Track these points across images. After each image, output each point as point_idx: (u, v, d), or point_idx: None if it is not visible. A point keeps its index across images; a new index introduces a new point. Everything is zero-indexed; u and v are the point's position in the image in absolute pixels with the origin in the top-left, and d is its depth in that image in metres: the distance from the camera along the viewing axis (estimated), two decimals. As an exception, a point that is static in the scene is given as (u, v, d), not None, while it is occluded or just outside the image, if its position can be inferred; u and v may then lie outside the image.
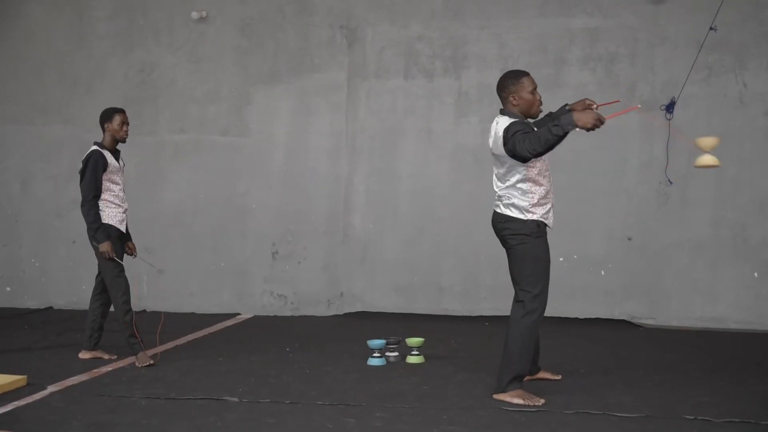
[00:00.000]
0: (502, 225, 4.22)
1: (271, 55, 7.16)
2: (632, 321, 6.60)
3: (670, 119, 6.55)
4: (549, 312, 6.81)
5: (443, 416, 3.80)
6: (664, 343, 5.79)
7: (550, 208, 4.28)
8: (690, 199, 6.52)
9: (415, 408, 3.94)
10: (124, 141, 5.22)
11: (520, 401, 3.99)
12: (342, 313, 7.01)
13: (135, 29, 7.29)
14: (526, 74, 4.25)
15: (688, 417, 3.77)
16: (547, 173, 4.27)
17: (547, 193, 4.25)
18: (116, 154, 5.21)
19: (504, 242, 4.28)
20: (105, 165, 5.05)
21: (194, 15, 7.11)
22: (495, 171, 4.26)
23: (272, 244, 7.08)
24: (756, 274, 6.42)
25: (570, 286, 6.68)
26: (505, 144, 4.04)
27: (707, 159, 4.15)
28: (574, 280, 6.68)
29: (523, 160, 4.04)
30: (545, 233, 4.27)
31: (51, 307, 7.28)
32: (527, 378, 4.28)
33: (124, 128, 5.19)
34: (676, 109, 6.52)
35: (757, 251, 6.42)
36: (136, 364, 4.83)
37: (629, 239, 6.65)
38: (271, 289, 7.11)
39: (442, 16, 6.91)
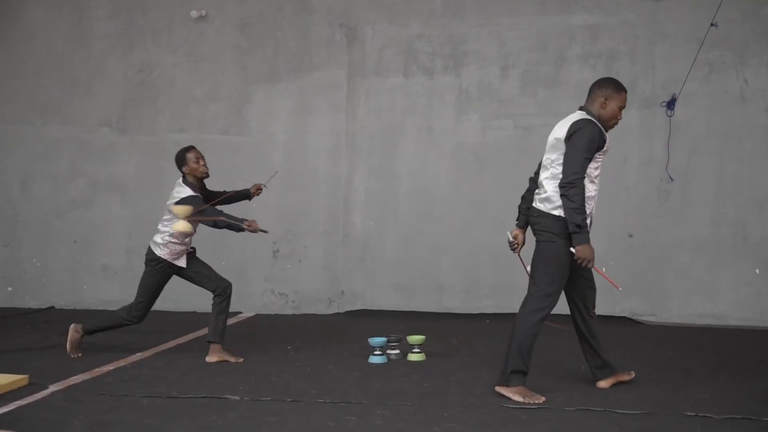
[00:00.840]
0: (534, 219, 4.19)
1: (270, 54, 7.15)
2: (633, 318, 6.60)
3: (670, 116, 6.55)
4: (550, 309, 6.82)
5: (444, 414, 3.80)
6: (665, 341, 5.79)
7: (590, 213, 4.14)
8: (690, 196, 6.52)
9: (416, 406, 3.94)
10: (206, 176, 5.18)
11: (520, 398, 3.99)
12: (343, 311, 7.01)
13: (134, 29, 7.28)
14: (626, 91, 4.23)
15: (689, 414, 3.77)
16: (598, 179, 4.18)
17: (591, 198, 4.14)
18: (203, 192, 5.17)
19: (534, 235, 4.22)
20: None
21: (193, 14, 7.11)
22: (544, 157, 4.19)
23: (273, 243, 7.07)
24: (757, 271, 6.42)
25: (571, 284, 6.67)
26: (569, 137, 4.00)
27: (181, 225, 4.87)
28: (574, 278, 6.66)
29: (564, 172, 3.98)
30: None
31: (52, 307, 7.28)
32: (605, 383, 4.25)
33: (201, 163, 5.13)
34: (677, 106, 6.52)
35: (758, 249, 6.41)
36: None
37: (630, 237, 6.65)
38: (272, 287, 7.11)
39: (441, 14, 6.91)
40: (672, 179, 6.52)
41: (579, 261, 3.98)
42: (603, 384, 4.28)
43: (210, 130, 7.21)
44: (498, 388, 4.08)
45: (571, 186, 3.94)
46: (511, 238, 4.41)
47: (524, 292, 6.81)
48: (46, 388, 4.27)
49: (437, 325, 6.32)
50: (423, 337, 5.15)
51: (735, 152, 6.39)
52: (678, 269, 6.55)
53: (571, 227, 3.95)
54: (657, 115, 6.60)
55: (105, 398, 4.09)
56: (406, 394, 4.16)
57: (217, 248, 7.13)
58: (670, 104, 6.54)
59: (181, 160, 5.16)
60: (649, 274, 6.60)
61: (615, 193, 6.64)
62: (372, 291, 6.98)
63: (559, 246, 4.07)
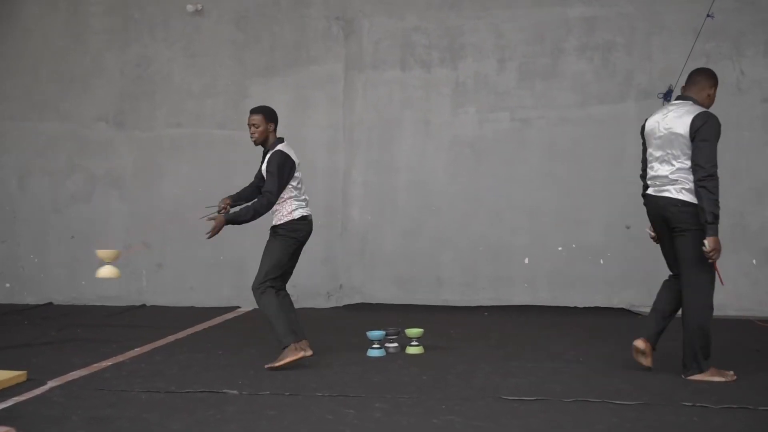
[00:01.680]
0: (678, 209, 4.23)
1: (267, 48, 7.14)
2: (631, 309, 6.61)
3: (667, 107, 6.53)
4: (548, 301, 6.89)
5: (442, 406, 3.81)
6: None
7: None
8: (688, 187, 6.50)
9: (414, 399, 3.95)
10: (255, 143, 5.07)
11: (720, 378, 4.19)
12: (342, 305, 7.01)
13: (130, 24, 7.27)
14: None
15: (686, 404, 3.79)
16: None
17: None
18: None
19: (677, 226, 4.27)
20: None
21: (189, 8, 7.09)
22: (659, 152, 4.31)
23: (271, 237, 7.06)
24: (754, 261, 6.43)
25: (569, 275, 6.69)
26: (697, 130, 4.13)
27: (106, 271, 4.86)
28: (573, 269, 6.69)
29: (704, 165, 4.12)
30: None
31: (51, 303, 7.29)
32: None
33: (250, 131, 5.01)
34: (674, 97, 6.49)
35: (756, 239, 6.42)
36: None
37: (628, 228, 6.65)
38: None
39: (438, 6, 6.90)
40: (669, 170, 6.50)
41: (711, 253, 4.11)
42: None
43: (207, 124, 7.21)
44: (694, 377, 4.22)
45: (711, 178, 4.09)
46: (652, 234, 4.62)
47: (523, 285, 6.87)
48: (44, 384, 4.28)
49: (436, 317, 6.33)
50: (421, 330, 5.16)
51: (732, 143, 6.36)
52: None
53: (709, 217, 4.07)
54: (654, 106, 6.51)
55: (103, 394, 4.09)
56: (405, 387, 4.17)
57: (215, 241, 7.12)
58: (667, 95, 6.51)
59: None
60: (646, 265, 6.59)
61: (612, 184, 6.64)
62: (371, 284, 6.99)
63: (702, 236, 4.16)
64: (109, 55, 7.31)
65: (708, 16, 6.24)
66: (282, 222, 4.90)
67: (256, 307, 7.00)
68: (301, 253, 7.03)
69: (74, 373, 4.55)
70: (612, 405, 3.80)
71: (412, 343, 5.10)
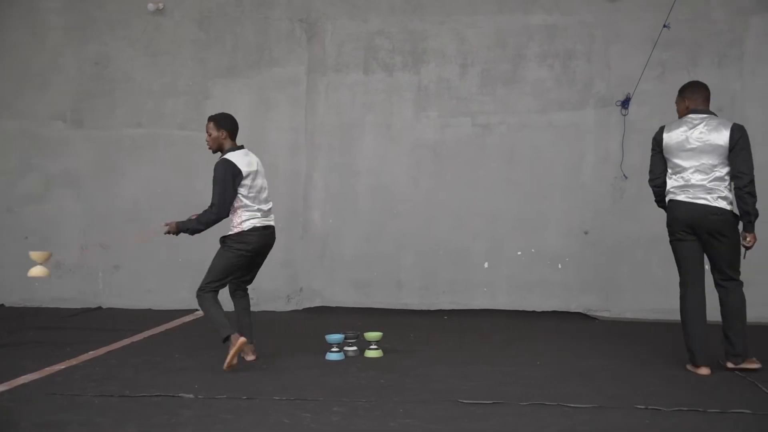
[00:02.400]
0: (718, 217, 4.53)
1: (229, 48, 7.09)
2: (588, 314, 6.71)
3: (625, 115, 6.66)
4: (506, 305, 6.94)
5: (400, 410, 3.82)
6: (618, 335, 5.89)
7: None
8: (645, 194, 6.56)
9: (372, 402, 3.95)
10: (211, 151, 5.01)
11: (755, 365, 4.54)
12: (301, 308, 6.98)
13: (89, 21, 7.15)
14: None
15: (639, 407, 3.85)
16: None
17: None
18: None
19: (718, 232, 4.55)
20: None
21: (150, 7, 7.00)
22: (692, 162, 4.56)
23: (231, 239, 7.00)
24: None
25: (527, 280, 6.76)
26: (737, 141, 4.50)
27: (37, 270, 4.95)
28: (531, 274, 6.76)
29: (747, 172, 4.50)
30: None
31: (2, 305, 7.13)
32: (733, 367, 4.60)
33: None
34: (631, 105, 6.63)
35: (709, 245, 6.54)
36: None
37: (586, 233, 6.75)
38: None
39: (401, 11, 6.92)
40: (626, 177, 6.63)
41: (751, 246, 4.59)
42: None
43: (168, 125, 7.12)
44: (743, 365, 4.52)
45: (753, 183, 4.51)
46: None
47: (483, 289, 6.92)
48: (-7, 387, 4.18)
49: (396, 321, 6.34)
50: (380, 333, 5.16)
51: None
52: (632, 265, 6.67)
53: (753, 218, 4.52)
54: (612, 114, 6.70)
55: (55, 398, 4.00)
56: (363, 391, 4.17)
57: (174, 243, 7.04)
58: (625, 103, 6.65)
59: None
60: (603, 270, 6.71)
61: (571, 190, 6.73)
62: (331, 288, 6.97)
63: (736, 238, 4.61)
64: (67, 53, 7.18)
65: (664, 26, 6.39)
66: (231, 233, 4.85)
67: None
68: (261, 256, 7.05)
69: (25, 377, 4.45)
70: (567, 408, 3.84)
71: (371, 347, 5.10)
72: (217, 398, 4.01)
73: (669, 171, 4.69)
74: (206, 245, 7.02)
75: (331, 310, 6.86)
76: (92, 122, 7.18)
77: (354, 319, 6.29)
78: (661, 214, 6.81)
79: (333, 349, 4.98)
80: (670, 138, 4.65)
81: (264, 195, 4.91)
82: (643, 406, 3.85)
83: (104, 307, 7.06)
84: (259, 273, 7.02)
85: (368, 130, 6.99)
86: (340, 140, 6.98)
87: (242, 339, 4.58)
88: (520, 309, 6.76)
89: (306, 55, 7.02)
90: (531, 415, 3.73)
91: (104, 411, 3.78)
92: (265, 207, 4.91)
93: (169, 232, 4.88)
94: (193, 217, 4.92)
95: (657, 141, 4.73)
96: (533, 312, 6.73)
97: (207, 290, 4.77)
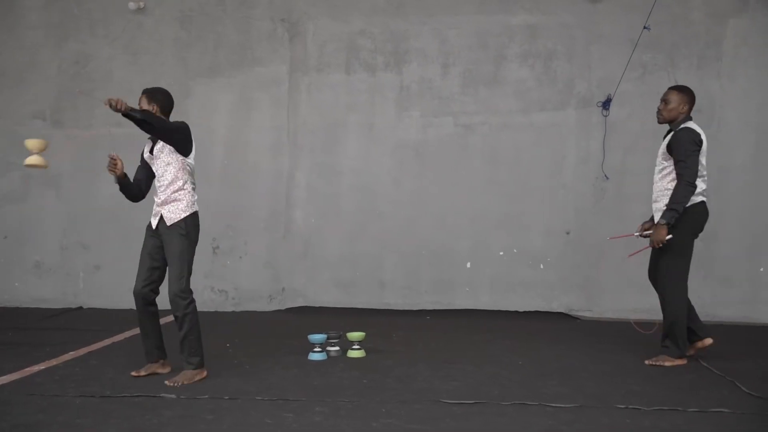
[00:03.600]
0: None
1: (211, 47, 7.06)
2: (569, 313, 6.75)
3: (606, 116, 6.71)
4: (489, 305, 6.97)
5: (382, 410, 3.82)
6: (599, 335, 5.94)
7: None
8: (625, 194, 6.69)
9: (354, 402, 3.95)
10: None
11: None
12: (284, 308, 6.97)
13: (69, 19, 7.09)
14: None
15: (619, 406, 3.88)
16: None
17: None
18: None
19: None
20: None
21: (131, 5, 6.95)
22: (704, 167, 4.79)
23: (212, 239, 6.99)
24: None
25: (509, 280, 6.80)
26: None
27: (33, 159, 4.49)
28: (513, 274, 6.79)
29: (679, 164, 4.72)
30: None
31: (-19, 306, 7.05)
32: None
33: None
34: (612, 105, 6.68)
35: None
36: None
37: (567, 233, 6.79)
38: (211, 284, 7.02)
39: (383, 11, 6.93)
40: (607, 177, 6.68)
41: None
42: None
43: (148, 124, 7.05)
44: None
45: None
46: None
47: (465, 289, 6.96)
48: (-28, 389, 4.14)
49: (378, 321, 6.34)
50: (363, 333, 5.17)
51: (667, 151, 6.56)
52: (613, 265, 6.71)
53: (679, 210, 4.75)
54: (593, 115, 6.75)
55: (34, 399, 3.97)
56: (345, 391, 4.17)
57: (155, 245, 7.01)
58: (606, 104, 6.71)
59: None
60: (585, 270, 6.76)
61: (553, 190, 6.78)
62: (313, 287, 6.97)
63: None
64: (46, 51, 7.12)
65: (645, 27, 6.45)
66: (187, 215, 4.46)
67: (197, 309, 6.96)
68: (243, 255, 7.04)
69: (4, 377, 4.40)
70: (549, 408, 3.87)
71: (354, 347, 5.11)
72: (198, 398, 3.99)
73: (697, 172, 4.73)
74: (188, 245, 7.01)
75: (313, 310, 6.85)
76: (72, 121, 7.13)
77: (336, 319, 6.29)
78: (643, 214, 6.92)
79: (315, 349, 4.98)
80: (703, 138, 4.76)
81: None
82: (623, 406, 3.88)
83: (85, 307, 7.01)
84: (240, 273, 7.06)
85: (351, 130, 6.99)
86: (322, 140, 6.98)
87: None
88: (503, 309, 6.80)
89: (288, 55, 7.00)
90: (513, 415, 3.75)
91: (85, 412, 3.76)
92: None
93: (111, 106, 4.21)
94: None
95: (698, 141, 4.71)
96: (515, 312, 6.77)
97: (191, 295, 4.39)
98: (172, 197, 4.49)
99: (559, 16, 6.78)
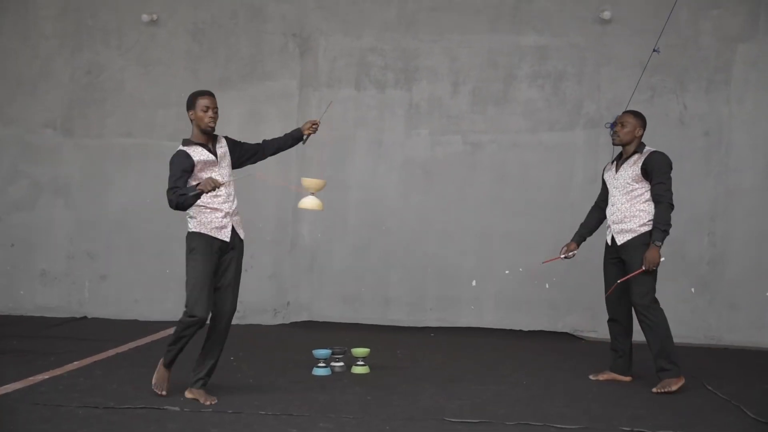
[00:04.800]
0: None
1: (222, 60, 7.10)
2: (574, 334, 6.73)
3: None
4: (493, 323, 6.96)
5: (386, 427, 3.81)
6: (605, 356, 5.88)
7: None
8: (632, 215, 6.67)
9: (358, 419, 3.95)
10: (211, 130, 4.39)
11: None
12: (288, 322, 6.97)
13: (83, 30, 7.15)
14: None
15: (624, 429, 3.87)
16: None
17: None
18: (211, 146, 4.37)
19: None
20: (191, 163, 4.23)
21: (144, 18, 7.01)
22: None
23: (219, 251, 6.99)
24: (693, 290, 6.61)
25: (515, 299, 6.78)
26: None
27: (310, 203, 4.26)
28: (518, 293, 6.78)
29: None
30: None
31: (-13, 313, 7.06)
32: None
33: (209, 114, 4.32)
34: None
35: (694, 267, 6.61)
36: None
37: (573, 253, 6.76)
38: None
39: (394, 28, 6.97)
40: (615, 198, 6.67)
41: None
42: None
43: (158, 135, 7.11)
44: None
45: None
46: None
47: (470, 307, 6.95)
48: (-24, 396, 4.14)
49: (383, 337, 6.33)
50: (367, 349, 5.16)
51: (675, 174, 6.47)
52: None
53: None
54: (601, 135, 6.76)
55: (38, 408, 3.97)
56: (349, 407, 4.16)
57: (161, 254, 7.03)
58: (614, 125, 6.70)
59: (190, 104, 4.35)
60: (591, 291, 6.73)
61: (560, 209, 6.77)
62: (318, 302, 6.96)
63: None
64: (59, 61, 7.17)
65: (654, 50, 6.45)
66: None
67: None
68: (249, 268, 7.03)
69: (8, 386, 4.41)
70: (553, 428, 3.85)
71: (358, 363, 5.10)
72: (203, 412, 3.99)
73: None
74: (194, 257, 7.02)
75: (318, 325, 6.85)
76: (83, 131, 7.17)
77: (341, 334, 6.28)
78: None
79: (320, 365, 4.98)
80: None
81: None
82: (628, 428, 3.87)
83: (90, 316, 7.01)
84: (247, 286, 7.03)
85: (359, 145, 7.01)
86: (330, 155, 7.00)
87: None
88: (507, 327, 6.78)
89: (299, 70, 7.04)
90: (517, 435, 3.74)
91: (88, 423, 3.76)
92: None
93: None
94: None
95: (671, 165, 5.00)
96: (520, 331, 6.75)
97: None
98: (235, 207, 4.41)
99: (569, 37, 6.81)
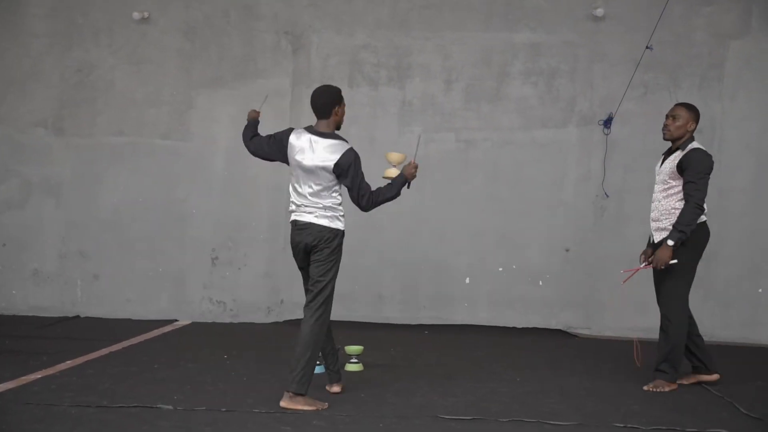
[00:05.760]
0: None
1: (214, 59, 7.07)
2: (568, 331, 6.74)
3: (607, 134, 6.73)
4: (487, 321, 6.96)
5: (380, 424, 3.81)
6: (598, 353, 5.93)
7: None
8: (625, 212, 6.69)
9: (351, 416, 3.94)
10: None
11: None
12: (282, 320, 6.95)
13: (73, 28, 7.10)
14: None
15: (618, 425, 3.87)
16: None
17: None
18: None
19: None
20: None
21: (136, 15, 6.97)
22: None
23: (212, 250, 6.98)
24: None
25: (508, 296, 6.78)
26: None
27: (393, 172, 4.63)
28: (512, 290, 6.78)
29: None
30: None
31: (-22, 313, 7.02)
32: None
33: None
34: (614, 124, 6.70)
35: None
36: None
37: (567, 251, 6.79)
38: (210, 295, 7.01)
39: (387, 25, 6.96)
40: (608, 195, 6.69)
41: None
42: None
43: (150, 134, 7.08)
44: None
45: None
46: None
47: (464, 304, 6.95)
48: (-33, 396, 4.12)
49: (376, 335, 6.33)
50: (361, 347, 5.16)
51: (668, 171, 6.57)
52: (612, 283, 6.67)
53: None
54: (594, 133, 6.77)
55: (31, 408, 3.95)
56: (343, 404, 4.15)
57: (154, 253, 7.01)
58: (607, 122, 6.72)
59: (338, 99, 4.54)
60: (584, 288, 6.75)
61: (553, 207, 6.78)
62: (312, 300, 6.94)
63: None
64: (50, 59, 7.13)
65: (647, 47, 6.48)
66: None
67: (195, 320, 6.98)
68: (243, 267, 7.03)
69: (0, 386, 4.38)
70: (546, 425, 3.85)
71: (352, 360, 5.09)
72: (196, 410, 3.98)
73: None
74: (187, 256, 7.02)
75: (311, 323, 6.82)
76: (74, 130, 7.13)
77: (334, 332, 6.22)
78: (643, 232, 6.93)
79: (313, 363, 4.95)
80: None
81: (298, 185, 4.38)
82: (621, 425, 3.87)
83: (82, 316, 6.98)
84: (238, 284, 7.05)
85: (352, 143, 6.90)
86: (324, 153, 6.96)
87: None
88: (501, 325, 6.78)
89: (291, 68, 7.02)
90: (511, 432, 3.74)
91: (81, 422, 3.74)
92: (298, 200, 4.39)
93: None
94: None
95: (712, 165, 4.70)
96: (514, 328, 6.75)
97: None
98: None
99: (562, 34, 6.81)
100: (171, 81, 7.06)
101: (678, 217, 4.56)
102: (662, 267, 4.59)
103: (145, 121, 7.08)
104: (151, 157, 7.08)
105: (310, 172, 4.34)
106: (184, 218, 7.05)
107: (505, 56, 6.86)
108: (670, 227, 4.63)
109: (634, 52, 6.55)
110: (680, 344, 4.67)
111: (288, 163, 4.46)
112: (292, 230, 4.41)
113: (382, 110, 6.98)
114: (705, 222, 4.72)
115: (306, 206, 4.36)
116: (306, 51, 7.01)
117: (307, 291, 4.37)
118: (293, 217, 4.41)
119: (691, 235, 4.59)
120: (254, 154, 4.64)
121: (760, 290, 6.61)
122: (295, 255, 4.46)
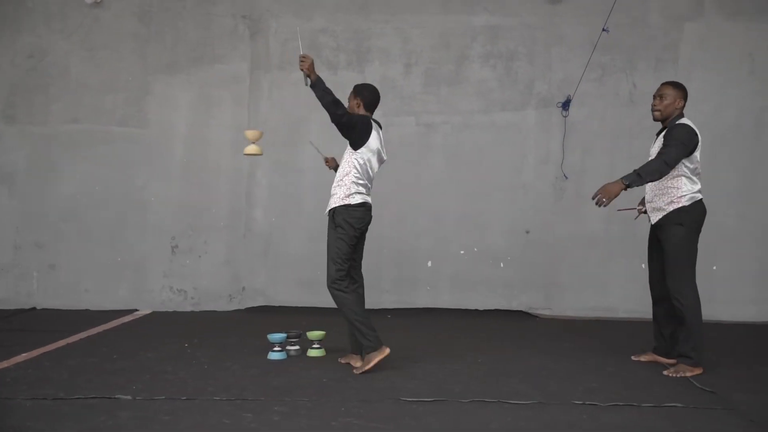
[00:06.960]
0: None
1: (170, 44, 6.96)
2: (529, 312, 6.81)
3: (566, 116, 6.78)
4: (449, 304, 6.99)
5: (342, 408, 3.81)
6: (559, 333, 6.00)
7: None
8: (584, 194, 6.74)
9: (314, 401, 3.93)
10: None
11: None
12: (244, 307, 6.91)
13: (23, 12, 6.92)
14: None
15: (577, 402, 3.93)
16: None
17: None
18: None
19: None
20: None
21: (88, 0, 6.81)
22: (699, 165, 4.77)
23: (172, 238, 6.90)
24: (643, 266, 6.69)
25: (470, 279, 6.83)
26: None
27: (252, 148, 5.08)
28: (474, 273, 6.83)
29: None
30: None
31: (-69, 306, 6.84)
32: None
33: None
34: (572, 106, 6.76)
35: (644, 244, 6.69)
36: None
37: (527, 233, 6.85)
38: (170, 284, 6.93)
39: (346, 9, 6.90)
40: (567, 177, 6.76)
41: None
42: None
43: (106, 121, 6.95)
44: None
45: None
46: None
47: (426, 288, 6.97)
48: None
49: (339, 320, 6.27)
50: (323, 332, 5.15)
51: (625, 152, 6.66)
52: (572, 264, 6.79)
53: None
54: (553, 115, 6.82)
55: (-15, 401, 3.87)
56: (304, 390, 4.14)
57: (113, 242, 6.90)
58: (566, 105, 6.78)
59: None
60: (545, 269, 6.82)
61: (513, 190, 6.83)
62: (274, 287, 6.91)
63: None
64: (0, 44, 6.94)
65: (603, 30, 6.53)
66: (336, 206, 4.77)
67: (156, 309, 6.89)
68: (203, 254, 6.95)
69: (-47, 379, 4.29)
70: (507, 405, 3.89)
71: (314, 346, 5.08)
72: (155, 399, 3.93)
73: (690, 170, 4.60)
74: (147, 244, 6.92)
75: (274, 310, 6.80)
76: (26, 117, 6.97)
77: (297, 319, 6.25)
78: (600, 214, 7.02)
79: (275, 349, 4.95)
80: (699, 136, 4.59)
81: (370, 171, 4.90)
82: (581, 402, 3.93)
83: (39, 308, 6.85)
84: (199, 272, 6.98)
85: (312, 128, 6.93)
86: (283, 138, 6.92)
87: (387, 350, 4.60)
88: (463, 307, 6.83)
89: (249, 52, 6.94)
90: (472, 412, 3.77)
91: (37, 415, 3.67)
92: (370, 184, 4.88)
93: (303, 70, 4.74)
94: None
95: (693, 140, 4.56)
96: (476, 310, 6.80)
97: (340, 284, 4.72)
98: (335, 185, 4.83)
99: (520, 17, 6.83)
100: (126, 66, 6.93)
101: (644, 165, 4.44)
102: (604, 201, 4.33)
103: (101, 108, 6.94)
104: (107, 145, 6.96)
105: (381, 160, 4.94)
106: (143, 206, 6.94)
107: (464, 39, 6.86)
108: (665, 206, 4.60)
109: (592, 34, 6.61)
110: (698, 325, 4.59)
111: (360, 145, 4.85)
112: (365, 212, 4.81)
113: (341, 94, 6.83)
114: (701, 200, 4.66)
115: (370, 189, 4.88)
116: (264, 35, 6.93)
117: (352, 267, 4.91)
118: (367, 199, 4.84)
119: (687, 215, 4.56)
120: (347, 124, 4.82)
121: (714, 267, 6.74)
122: (359, 236, 4.85)
